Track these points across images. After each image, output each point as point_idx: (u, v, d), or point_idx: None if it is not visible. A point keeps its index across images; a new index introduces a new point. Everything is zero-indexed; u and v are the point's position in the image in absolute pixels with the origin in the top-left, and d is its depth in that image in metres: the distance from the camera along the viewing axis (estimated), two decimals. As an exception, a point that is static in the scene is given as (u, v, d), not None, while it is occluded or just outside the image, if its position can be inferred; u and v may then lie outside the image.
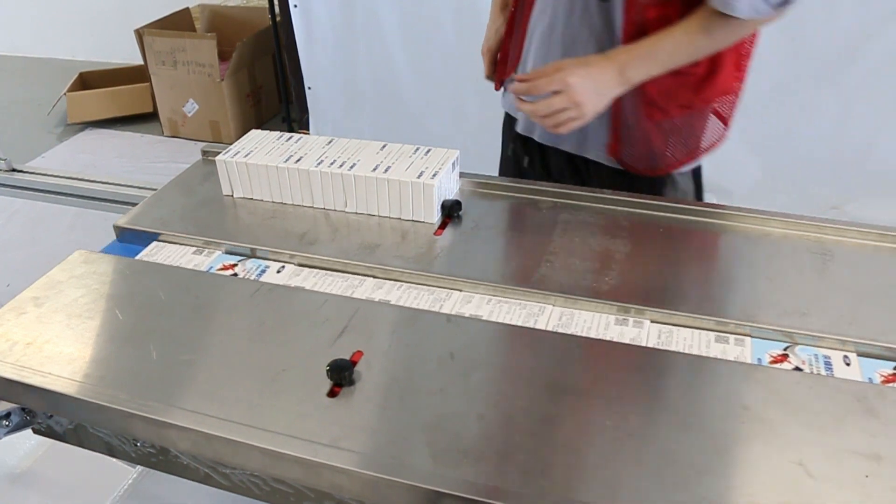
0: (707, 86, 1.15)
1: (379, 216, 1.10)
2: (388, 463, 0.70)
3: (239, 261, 1.04)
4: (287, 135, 1.21)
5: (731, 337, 0.88)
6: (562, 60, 1.08)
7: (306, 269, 1.02)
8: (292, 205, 1.14)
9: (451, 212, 1.08)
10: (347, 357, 0.82)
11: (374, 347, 0.84)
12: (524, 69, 1.24)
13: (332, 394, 0.78)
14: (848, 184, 2.51)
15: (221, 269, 1.03)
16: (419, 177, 1.07)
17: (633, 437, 0.72)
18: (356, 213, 1.11)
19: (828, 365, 0.85)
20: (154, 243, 1.09)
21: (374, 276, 0.99)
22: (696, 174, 1.31)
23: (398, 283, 0.98)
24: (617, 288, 0.94)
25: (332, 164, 1.11)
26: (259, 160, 1.13)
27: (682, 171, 1.25)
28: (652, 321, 0.90)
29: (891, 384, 0.82)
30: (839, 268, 0.99)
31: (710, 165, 2.57)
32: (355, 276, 1.00)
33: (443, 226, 1.08)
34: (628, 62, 1.06)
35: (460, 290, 0.96)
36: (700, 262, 1.00)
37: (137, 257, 1.06)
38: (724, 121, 1.25)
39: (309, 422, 0.75)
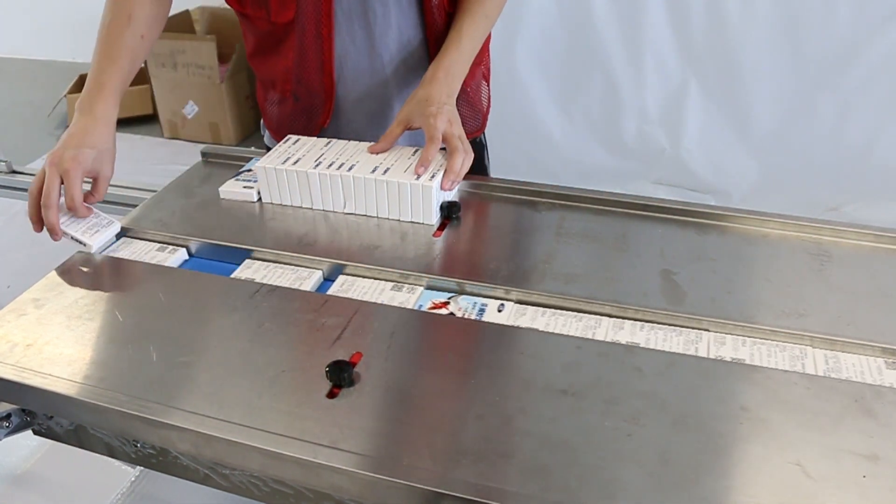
0: (480, 51, 1.27)
1: (378, 217, 1.10)
2: (388, 464, 0.70)
3: (450, 297, 0.96)
4: (286, 137, 1.22)
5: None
6: (402, 109, 1.17)
7: (531, 308, 0.93)
8: (291, 206, 1.14)
9: (449, 213, 1.09)
10: (347, 358, 0.82)
11: (374, 348, 0.84)
12: (344, 112, 1.30)
13: (331, 395, 0.78)
14: (846, 185, 2.52)
15: (433, 307, 0.94)
16: (418, 178, 1.07)
17: (631, 437, 0.72)
18: (355, 214, 1.12)
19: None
20: (341, 277, 1.00)
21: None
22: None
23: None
24: (616, 289, 0.95)
25: (330, 165, 1.11)
26: (256, 162, 1.14)
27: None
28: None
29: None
30: (837, 269, 1.00)
31: (709, 167, 2.62)
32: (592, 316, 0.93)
33: (442, 227, 1.08)
34: (449, 72, 1.17)
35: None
36: (696, 264, 1.00)
37: (329, 292, 0.97)
38: (488, 81, 1.43)
39: (308, 423, 0.75)
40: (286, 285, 0.97)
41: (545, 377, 0.80)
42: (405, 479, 0.68)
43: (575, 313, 0.92)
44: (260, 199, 1.16)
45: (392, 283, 0.98)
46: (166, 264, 1.04)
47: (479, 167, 1.42)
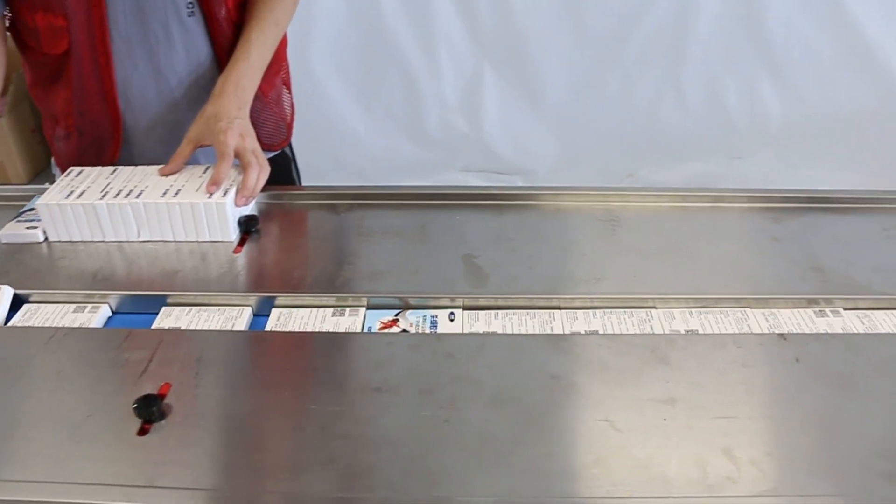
0: (275, 59, 1.26)
1: (175, 241, 1.07)
2: (209, 492, 0.68)
3: (397, 314, 0.93)
4: (69, 169, 1.15)
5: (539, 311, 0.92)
6: (192, 127, 1.14)
7: (482, 312, 0.92)
8: (82, 242, 1.08)
9: (248, 227, 1.07)
10: (155, 391, 0.79)
11: (182, 377, 0.81)
12: (135, 142, 1.25)
13: (142, 432, 0.75)
14: (638, 152, 2.69)
15: (382, 327, 0.90)
16: (210, 196, 1.04)
17: (449, 422, 0.74)
18: (151, 241, 1.07)
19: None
20: (275, 310, 0.94)
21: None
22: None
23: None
24: (420, 280, 0.96)
25: (118, 194, 1.06)
26: (38, 200, 1.07)
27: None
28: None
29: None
30: (626, 232, 1.06)
31: (512, 149, 2.71)
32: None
33: (242, 243, 1.06)
34: (238, 84, 1.14)
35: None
36: (495, 245, 1.03)
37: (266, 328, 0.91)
38: (290, 88, 1.41)
39: (120, 465, 0.71)
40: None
41: (358, 378, 0.80)
42: (227, 505, 0.67)
43: (528, 311, 0.92)
44: (47, 238, 1.09)
45: (333, 309, 0.93)
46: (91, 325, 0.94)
47: (286, 181, 1.40)
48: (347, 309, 0.94)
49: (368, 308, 0.94)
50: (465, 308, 0.93)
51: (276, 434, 0.74)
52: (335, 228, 1.09)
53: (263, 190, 1.13)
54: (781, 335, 0.87)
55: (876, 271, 0.98)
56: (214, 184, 1.05)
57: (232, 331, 0.90)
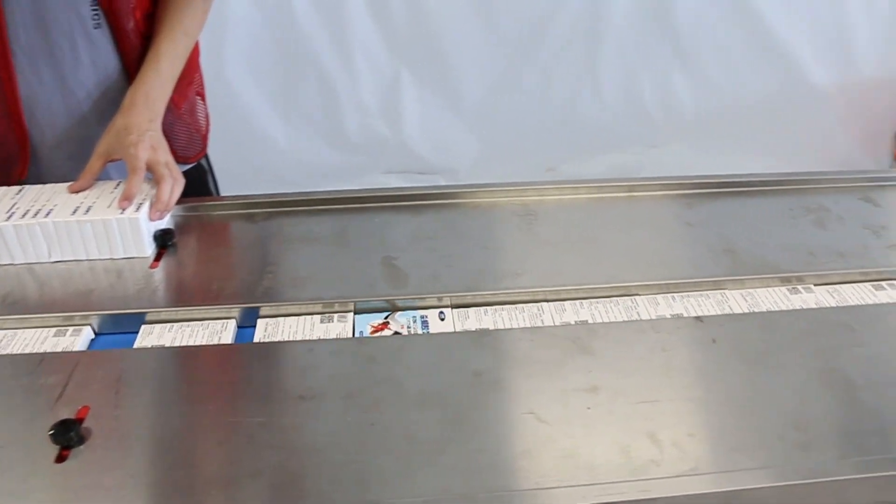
0: (188, 70, 1.24)
1: (89, 260, 1.04)
2: (132, 514, 0.67)
3: (387, 316, 0.91)
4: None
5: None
6: (101, 141, 1.10)
7: (472, 309, 0.93)
8: (-11, 266, 1.04)
9: (164, 241, 1.04)
10: (73, 415, 0.77)
11: (102, 398, 0.79)
12: (43, 159, 1.21)
13: (60, 459, 0.73)
14: (558, 146, 2.73)
15: (374, 331, 0.89)
16: (123, 211, 1.02)
17: (375, 426, 0.74)
18: (64, 261, 1.04)
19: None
20: (261, 321, 0.92)
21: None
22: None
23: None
24: (342, 284, 0.96)
25: (25, 214, 1.03)
26: None
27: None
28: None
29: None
30: (543, 225, 1.07)
31: (433, 149, 2.71)
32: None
33: (158, 257, 1.04)
34: (149, 96, 1.12)
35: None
36: (414, 245, 1.04)
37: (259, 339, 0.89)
38: (204, 99, 1.38)
39: (38, 496, 0.69)
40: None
41: (281, 387, 0.79)
42: (151, 526, 0.65)
43: (517, 305, 0.93)
44: None
45: (320, 316, 0.92)
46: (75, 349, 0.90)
47: (203, 193, 1.38)
48: (335, 315, 0.93)
49: (356, 313, 0.93)
50: (454, 306, 0.94)
51: (201, 450, 0.73)
52: (254, 238, 1.07)
53: (179, 202, 1.11)
54: (698, 318, 0.89)
55: (783, 250, 1.02)
56: (126, 199, 1.03)
57: (153, 347, 0.88)
